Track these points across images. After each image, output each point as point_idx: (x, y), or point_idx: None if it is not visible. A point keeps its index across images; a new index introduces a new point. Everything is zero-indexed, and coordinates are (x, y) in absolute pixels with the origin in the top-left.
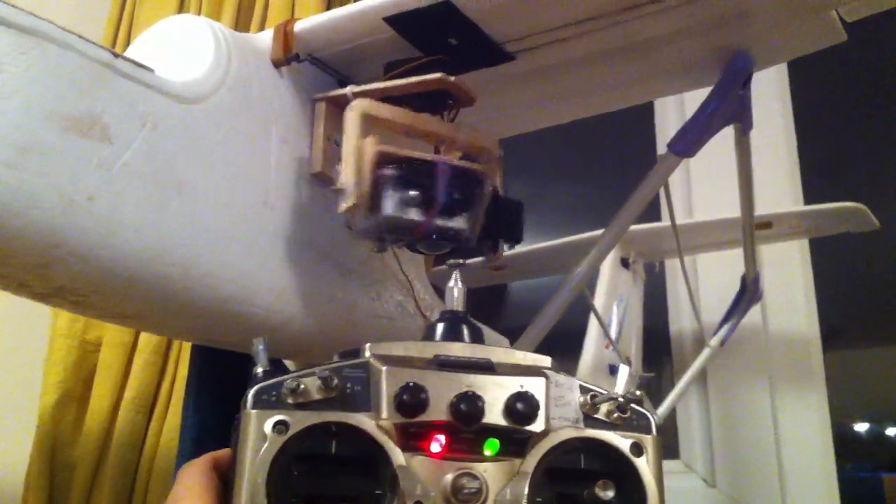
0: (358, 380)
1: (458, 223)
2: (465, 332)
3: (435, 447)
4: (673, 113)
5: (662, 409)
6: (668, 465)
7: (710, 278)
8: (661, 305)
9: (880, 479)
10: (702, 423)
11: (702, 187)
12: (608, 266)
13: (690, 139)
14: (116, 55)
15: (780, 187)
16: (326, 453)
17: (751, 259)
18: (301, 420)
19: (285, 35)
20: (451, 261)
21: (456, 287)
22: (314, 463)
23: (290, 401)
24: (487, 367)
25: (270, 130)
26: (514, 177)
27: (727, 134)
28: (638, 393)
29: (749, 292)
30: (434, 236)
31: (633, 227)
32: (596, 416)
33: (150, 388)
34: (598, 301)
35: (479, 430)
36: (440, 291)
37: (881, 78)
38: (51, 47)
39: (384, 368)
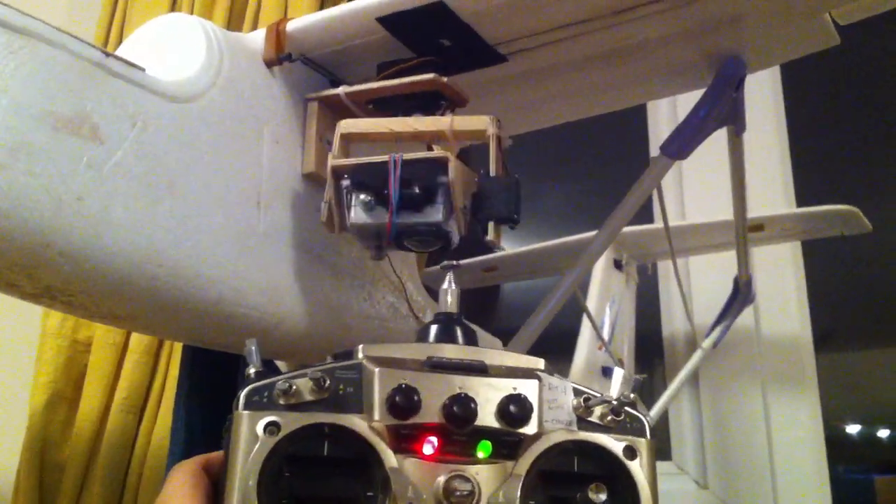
0: (350, 381)
1: (431, 216)
2: (459, 333)
3: (427, 449)
4: (666, 115)
5: (654, 410)
6: (659, 466)
7: (703, 280)
8: (654, 307)
9: (872, 481)
10: (694, 425)
11: (694, 189)
12: (601, 268)
13: (683, 142)
14: (108, 54)
15: (772, 190)
16: (318, 455)
17: (743, 261)
18: (293, 421)
19: (278, 35)
20: (445, 262)
21: (449, 289)
22: (306, 464)
23: (281, 402)
24: (480, 369)
25: (262, 130)
26: None
27: (720, 136)
28: (632, 396)
29: (741, 294)
30: (408, 234)
31: (626, 229)
32: (589, 418)
33: (140, 388)
34: (591, 303)
35: (471, 432)
36: (434, 293)
37: (874, 80)
38: (41, 46)
39: (377, 370)
